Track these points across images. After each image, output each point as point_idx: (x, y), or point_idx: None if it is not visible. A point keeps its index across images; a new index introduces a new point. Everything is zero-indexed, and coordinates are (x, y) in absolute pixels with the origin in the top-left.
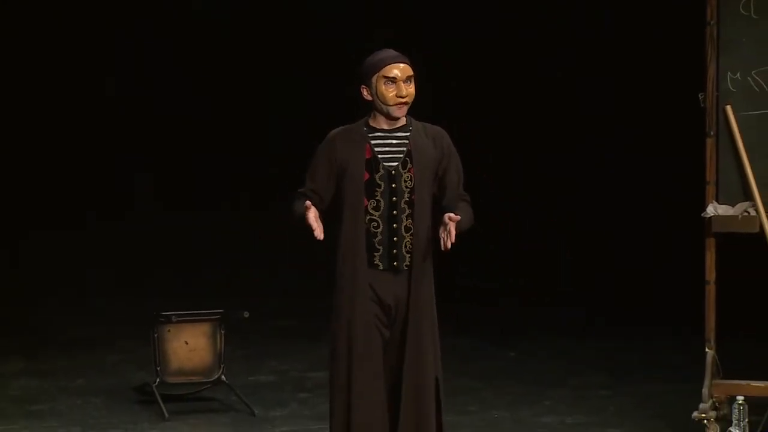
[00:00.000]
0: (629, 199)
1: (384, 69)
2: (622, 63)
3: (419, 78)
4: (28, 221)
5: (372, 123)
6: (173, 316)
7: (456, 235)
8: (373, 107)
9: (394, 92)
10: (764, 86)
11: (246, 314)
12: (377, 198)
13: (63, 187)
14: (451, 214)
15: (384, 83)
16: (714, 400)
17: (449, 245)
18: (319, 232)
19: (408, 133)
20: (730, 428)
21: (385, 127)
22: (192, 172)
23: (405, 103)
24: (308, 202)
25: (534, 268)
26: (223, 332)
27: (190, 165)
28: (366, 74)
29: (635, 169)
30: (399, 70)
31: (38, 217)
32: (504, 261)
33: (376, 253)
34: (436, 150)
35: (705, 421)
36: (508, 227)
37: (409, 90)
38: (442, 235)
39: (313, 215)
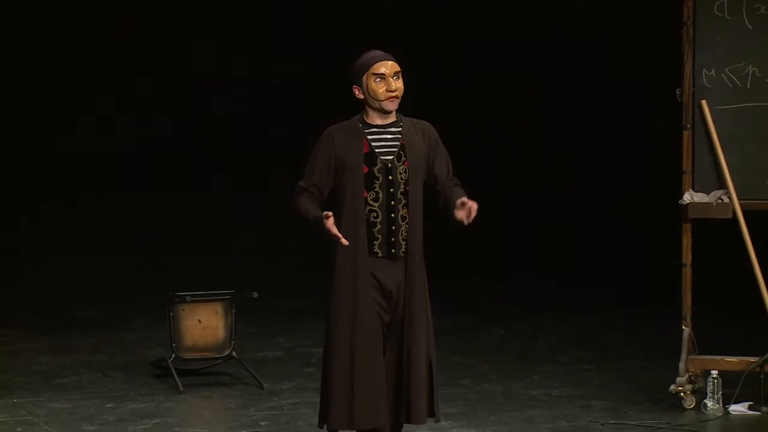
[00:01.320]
0: (610, 189)
1: (373, 67)
2: (603, 61)
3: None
4: (43, 202)
5: (366, 119)
6: (188, 297)
7: (447, 220)
8: (366, 104)
9: (384, 88)
10: (737, 82)
11: (255, 294)
12: (376, 190)
13: (72, 172)
14: (464, 198)
15: (374, 81)
16: (690, 374)
17: (471, 220)
18: (344, 241)
19: (400, 128)
20: (705, 400)
21: (379, 122)
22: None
23: (395, 97)
24: (327, 213)
25: (521, 252)
26: (233, 311)
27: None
28: (356, 74)
29: (617, 159)
30: (387, 67)
31: (48, 198)
32: (494, 245)
33: (375, 242)
34: (425, 143)
35: (682, 393)
36: (496, 214)
37: (398, 84)
38: (461, 215)
39: (332, 223)
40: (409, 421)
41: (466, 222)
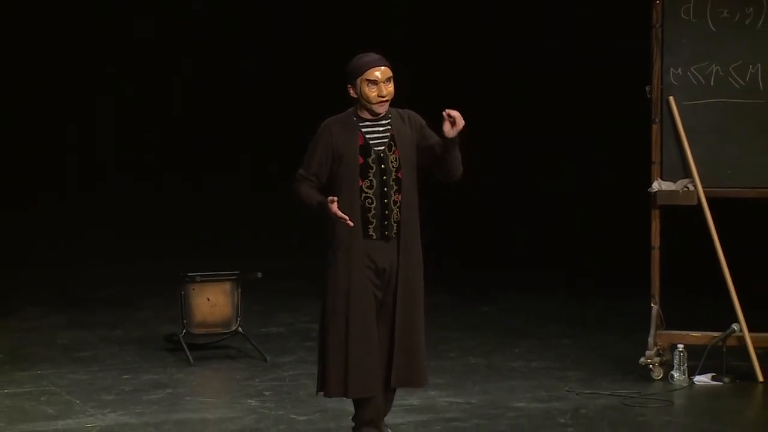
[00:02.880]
0: (585, 178)
1: (366, 73)
2: (579, 63)
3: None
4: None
5: (360, 113)
6: (197, 277)
7: (451, 160)
8: (358, 103)
9: (376, 92)
10: (702, 80)
11: (259, 275)
12: (370, 178)
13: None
14: (446, 112)
15: (367, 85)
16: (658, 348)
17: (459, 126)
18: (350, 222)
19: (389, 120)
20: (672, 372)
21: (370, 117)
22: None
23: (386, 101)
24: (332, 198)
25: (503, 235)
26: (239, 290)
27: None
28: (351, 77)
29: (592, 151)
30: (380, 72)
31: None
32: (480, 228)
33: (370, 226)
34: (412, 130)
35: (650, 365)
36: (484, 201)
37: (389, 89)
38: (446, 127)
39: (336, 207)
40: (411, 385)
41: (452, 133)
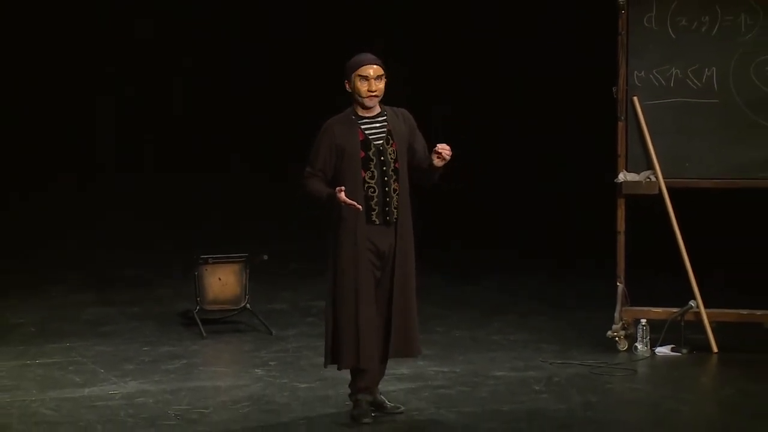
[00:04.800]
0: (556, 169)
1: (359, 69)
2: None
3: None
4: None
5: (357, 112)
6: (210, 259)
7: (432, 176)
8: (352, 98)
9: (367, 87)
10: (663, 82)
11: (265, 257)
12: (371, 170)
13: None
14: (438, 146)
15: (359, 80)
16: (623, 322)
17: (447, 157)
18: (358, 206)
19: (385, 117)
20: (636, 344)
21: (368, 114)
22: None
23: (375, 96)
24: (340, 188)
25: (488, 222)
26: (248, 271)
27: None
28: (348, 72)
29: (562, 145)
30: (372, 70)
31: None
32: (465, 214)
33: (373, 212)
34: (406, 126)
35: (616, 338)
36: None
37: (379, 86)
38: (435, 158)
39: (345, 196)
40: (407, 355)
41: (441, 162)
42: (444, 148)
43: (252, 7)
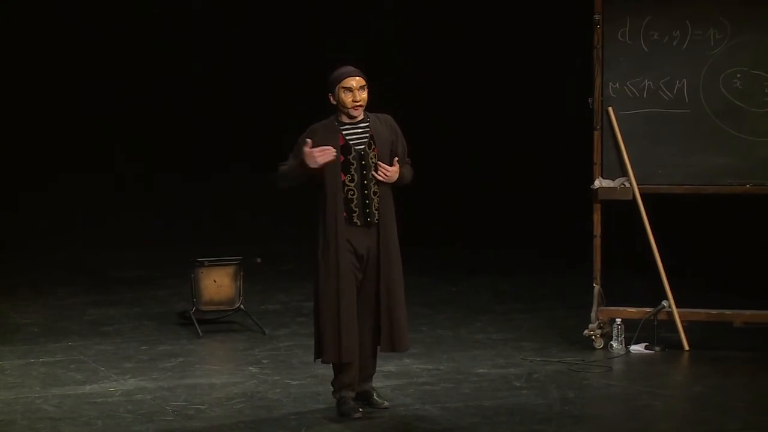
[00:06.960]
0: (536, 175)
1: (343, 81)
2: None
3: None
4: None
5: (340, 119)
6: (206, 261)
7: (396, 185)
8: (338, 109)
9: (351, 98)
10: (636, 93)
11: (258, 260)
12: (351, 173)
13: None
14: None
15: (343, 92)
16: (599, 321)
17: (380, 175)
18: (331, 150)
19: (367, 123)
20: (611, 342)
21: (349, 121)
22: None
23: (360, 106)
24: (307, 140)
25: (472, 222)
26: (242, 273)
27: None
28: (331, 85)
29: (543, 154)
30: (355, 81)
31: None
32: (450, 217)
33: (354, 214)
34: (390, 132)
35: (593, 336)
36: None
37: (362, 96)
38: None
39: (310, 145)
40: (397, 350)
41: (377, 176)
42: (384, 170)
43: (252, 7)
